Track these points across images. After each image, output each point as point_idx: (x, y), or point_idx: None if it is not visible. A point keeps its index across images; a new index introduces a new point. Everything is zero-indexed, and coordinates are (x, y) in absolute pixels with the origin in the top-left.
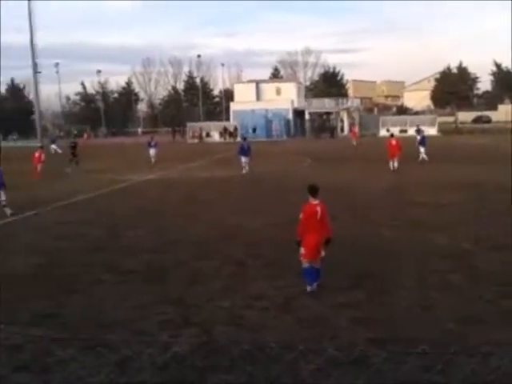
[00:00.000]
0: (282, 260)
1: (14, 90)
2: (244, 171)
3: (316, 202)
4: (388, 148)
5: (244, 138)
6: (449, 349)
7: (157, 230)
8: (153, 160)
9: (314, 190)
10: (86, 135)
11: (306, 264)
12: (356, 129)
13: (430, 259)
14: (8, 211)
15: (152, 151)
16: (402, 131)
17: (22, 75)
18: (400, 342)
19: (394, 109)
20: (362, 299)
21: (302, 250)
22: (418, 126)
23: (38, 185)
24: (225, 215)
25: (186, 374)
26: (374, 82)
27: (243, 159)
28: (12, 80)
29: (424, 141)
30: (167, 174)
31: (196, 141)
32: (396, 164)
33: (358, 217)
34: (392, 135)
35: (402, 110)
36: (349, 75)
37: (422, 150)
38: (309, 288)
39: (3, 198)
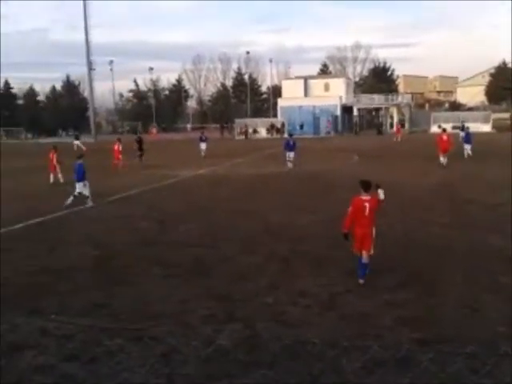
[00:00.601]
0: (328, 257)
1: (70, 86)
2: (289, 165)
3: (367, 197)
4: (439, 143)
5: (290, 135)
6: (498, 351)
7: (204, 225)
8: (203, 154)
9: (365, 185)
10: (154, 130)
11: (359, 255)
12: (399, 126)
13: (481, 260)
14: (89, 203)
15: (203, 145)
16: (454, 128)
17: (77, 72)
18: (447, 343)
19: (447, 105)
20: (408, 298)
21: (354, 243)
22: (462, 122)
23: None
24: (271, 211)
25: (229, 367)
26: (426, 78)
27: (288, 154)
28: (67, 77)
29: (469, 138)
30: (215, 169)
31: (242, 137)
32: (445, 160)
33: (408, 214)
34: (444, 130)
35: (455, 106)
36: (400, 70)
37: (467, 147)
38: (361, 281)
39: (84, 191)
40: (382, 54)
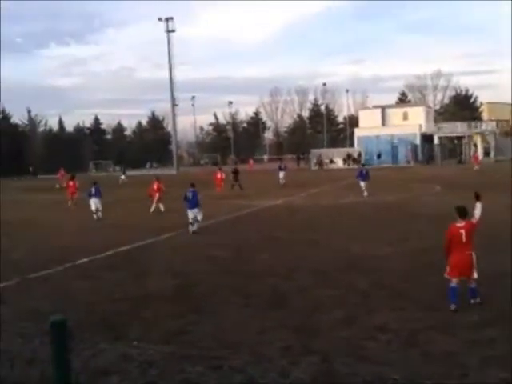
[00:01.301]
0: (408, 291)
1: (154, 121)
2: (365, 194)
3: (462, 223)
4: None
5: (363, 165)
6: None
7: (280, 256)
8: (281, 182)
9: (460, 212)
10: (251, 162)
11: (452, 283)
12: (478, 154)
13: None
14: (192, 228)
15: (281, 174)
16: None
17: (162, 108)
18: None
19: None
20: (494, 337)
21: (447, 269)
22: None
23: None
24: (348, 242)
25: None
26: None
27: (362, 184)
28: (152, 113)
29: None
30: (291, 200)
31: (317, 167)
32: None
33: (501, 251)
34: None
35: None
36: (483, 97)
37: None
38: (452, 306)
39: (199, 216)
40: (463, 81)
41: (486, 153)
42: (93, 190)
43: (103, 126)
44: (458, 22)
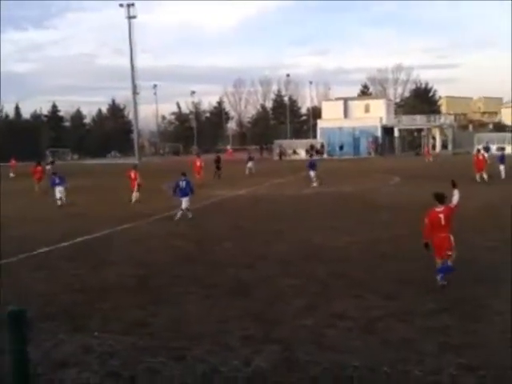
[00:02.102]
0: (366, 280)
1: (115, 109)
2: (314, 184)
3: (441, 208)
4: (475, 163)
5: (311, 155)
6: None
7: (242, 246)
8: (252, 171)
9: (439, 198)
10: (230, 150)
11: (438, 265)
12: (429, 148)
13: None
14: (189, 215)
15: (250, 163)
16: (499, 149)
17: (123, 96)
18: (491, 369)
19: (491, 126)
20: (451, 324)
21: (434, 252)
22: (487, 144)
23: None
24: (310, 232)
25: None
26: (470, 99)
27: (311, 173)
28: (113, 100)
29: (503, 159)
30: (255, 190)
31: (282, 158)
32: (485, 176)
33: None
34: (479, 150)
35: (500, 127)
36: (442, 91)
37: (501, 167)
38: (441, 282)
39: (185, 205)
40: (423, 76)
41: (444, 145)
42: (56, 179)
43: (61, 113)
44: (420, 16)
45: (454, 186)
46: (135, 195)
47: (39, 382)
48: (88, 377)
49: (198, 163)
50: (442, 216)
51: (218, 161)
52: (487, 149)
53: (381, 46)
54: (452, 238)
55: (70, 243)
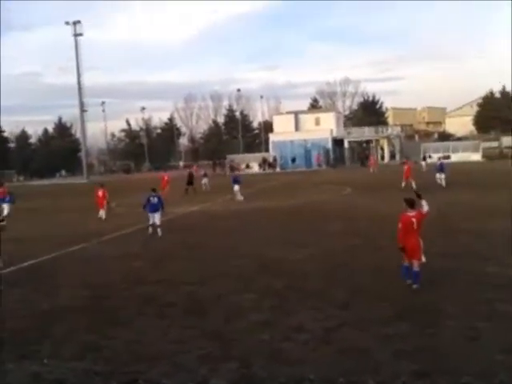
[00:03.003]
0: (321, 291)
1: (62, 128)
2: (239, 198)
3: (412, 213)
4: (405, 172)
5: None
6: (494, 379)
7: (196, 263)
8: (203, 188)
9: (410, 203)
10: (195, 167)
11: (405, 263)
12: (374, 157)
13: (477, 288)
14: (150, 231)
15: (205, 180)
16: (444, 157)
17: (70, 114)
18: (445, 374)
19: (436, 135)
20: (406, 330)
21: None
22: (425, 153)
23: (90, 219)
24: (264, 247)
25: None
26: (415, 109)
27: (236, 187)
28: (59, 118)
29: (442, 167)
30: (208, 206)
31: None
32: (413, 184)
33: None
34: (405, 162)
35: (444, 137)
36: (388, 103)
37: (441, 175)
38: (408, 281)
39: (158, 221)
40: (370, 88)
41: (393, 155)
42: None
43: (5, 134)
44: (365, 31)
45: (419, 197)
46: (102, 213)
47: None
48: None
49: (166, 178)
50: (414, 220)
51: (190, 176)
52: (425, 158)
53: (328, 61)
54: (421, 241)
55: (16, 268)
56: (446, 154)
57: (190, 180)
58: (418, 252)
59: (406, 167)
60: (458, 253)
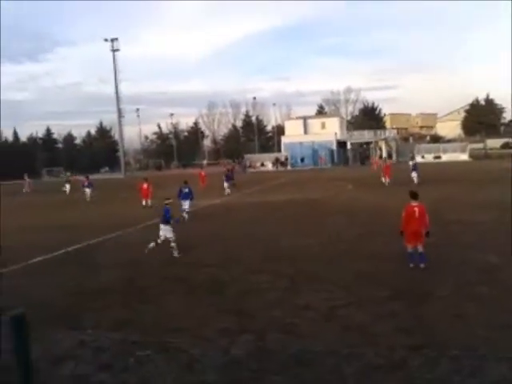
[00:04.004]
0: (328, 275)
1: (103, 131)
2: (227, 191)
3: (415, 203)
4: (384, 169)
5: (228, 169)
6: (477, 353)
7: (219, 248)
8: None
9: (413, 195)
10: (234, 166)
11: (409, 249)
12: (377, 158)
13: (463, 272)
14: (186, 216)
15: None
16: (435, 157)
17: (109, 119)
18: (435, 347)
19: (428, 138)
20: (401, 309)
21: (405, 239)
22: (411, 153)
23: (128, 208)
24: (278, 235)
25: (243, 375)
26: (410, 115)
27: (225, 185)
28: (101, 123)
29: (416, 167)
30: (229, 199)
31: (252, 170)
32: (387, 180)
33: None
34: (385, 160)
35: (436, 139)
36: (386, 109)
37: (414, 174)
38: (411, 265)
39: (188, 207)
40: (370, 96)
41: (389, 155)
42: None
43: (55, 136)
44: (364, 46)
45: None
46: (147, 202)
47: (39, 377)
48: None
49: (203, 174)
50: (416, 209)
51: (231, 171)
52: (412, 157)
53: (332, 72)
54: (424, 230)
55: (67, 250)
56: (437, 154)
57: (231, 177)
58: (420, 236)
59: (387, 164)
60: (448, 241)
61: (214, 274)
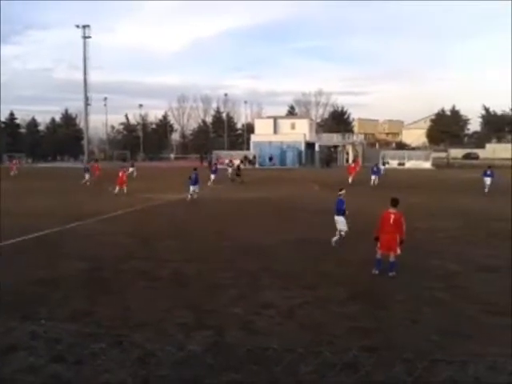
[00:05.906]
0: (291, 273)
1: (67, 118)
2: (189, 197)
3: (393, 210)
4: (348, 169)
5: (195, 169)
6: (430, 356)
7: (182, 243)
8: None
9: (393, 202)
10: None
11: (378, 255)
12: (358, 162)
13: (422, 277)
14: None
15: (213, 176)
16: (399, 164)
17: (75, 106)
18: (390, 350)
19: (394, 144)
20: (359, 311)
21: (378, 244)
22: (382, 159)
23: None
24: (243, 232)
25: (199, 370)
26: (377, 121)
27: (192, 188)
28: (66, 110)
29: (378, 171)
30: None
31: (220, 166)
32: (351, 180)
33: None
34: (352, 162)
35: (401, 146)
36: (355, 114)
37: (374, 177)
38: (374, 271)
39: (197, 191)
40: (340, 100)
41: (355, 160)
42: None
43: (18, 121)
44: (337, 51)
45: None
46: (119, 189)
47: None
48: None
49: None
50: (392, 217)
51: (238, 168)
52: (384, 163)
53: (305, 74)
54: (398, 238)
55: (25, 238)
56: (402, 161)
57: (238, 173)
58: (393, 245)
59: (352, 166)
60: (410, 248)
61: (176, 269)
